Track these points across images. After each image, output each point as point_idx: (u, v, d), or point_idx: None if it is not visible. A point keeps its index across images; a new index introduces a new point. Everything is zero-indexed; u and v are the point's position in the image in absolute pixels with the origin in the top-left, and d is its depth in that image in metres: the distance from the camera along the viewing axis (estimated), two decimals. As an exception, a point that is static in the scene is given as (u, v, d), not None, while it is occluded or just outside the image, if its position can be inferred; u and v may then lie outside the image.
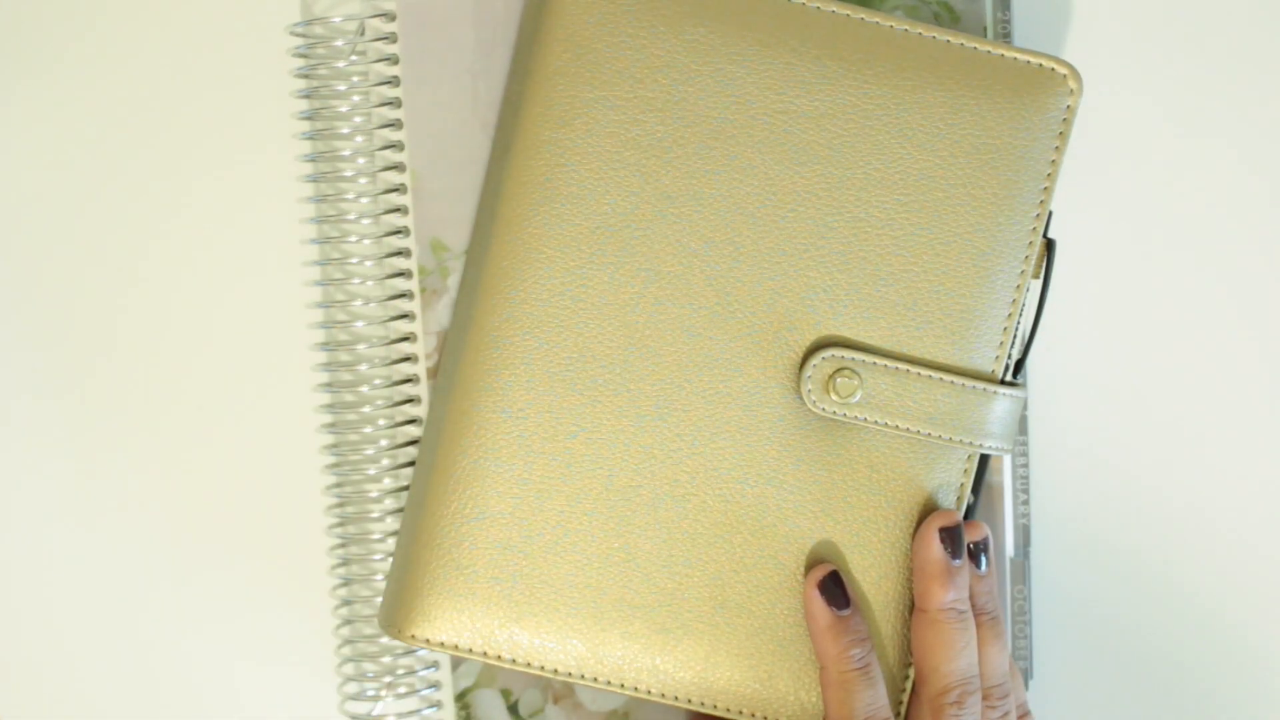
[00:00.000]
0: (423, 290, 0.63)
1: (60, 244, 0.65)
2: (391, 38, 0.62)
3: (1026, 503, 0.66)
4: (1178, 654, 0.67)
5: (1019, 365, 0.61)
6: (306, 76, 0.64)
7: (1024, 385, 0.61)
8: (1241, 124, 0.67)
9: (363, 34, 0.63)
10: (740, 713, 0.59)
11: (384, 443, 0.64)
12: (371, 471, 0.64)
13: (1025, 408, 0.66)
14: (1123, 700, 0.67)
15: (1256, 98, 0.67)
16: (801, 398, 0.59)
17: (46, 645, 0.66)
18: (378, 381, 0.63)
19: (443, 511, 0.59)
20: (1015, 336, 0.60)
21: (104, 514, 0.66)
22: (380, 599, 0.64)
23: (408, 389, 0.63)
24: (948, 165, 0.59)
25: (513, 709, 0.64)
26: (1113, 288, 0.67)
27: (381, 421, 0.64)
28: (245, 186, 0.65)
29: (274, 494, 0.66)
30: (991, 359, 0.59)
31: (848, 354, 0.58)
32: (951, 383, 0.59)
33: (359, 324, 0.64)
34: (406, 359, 0.63)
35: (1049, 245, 0.60)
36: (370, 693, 0.64)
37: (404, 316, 0.63)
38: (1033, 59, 0.59)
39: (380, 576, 0.64)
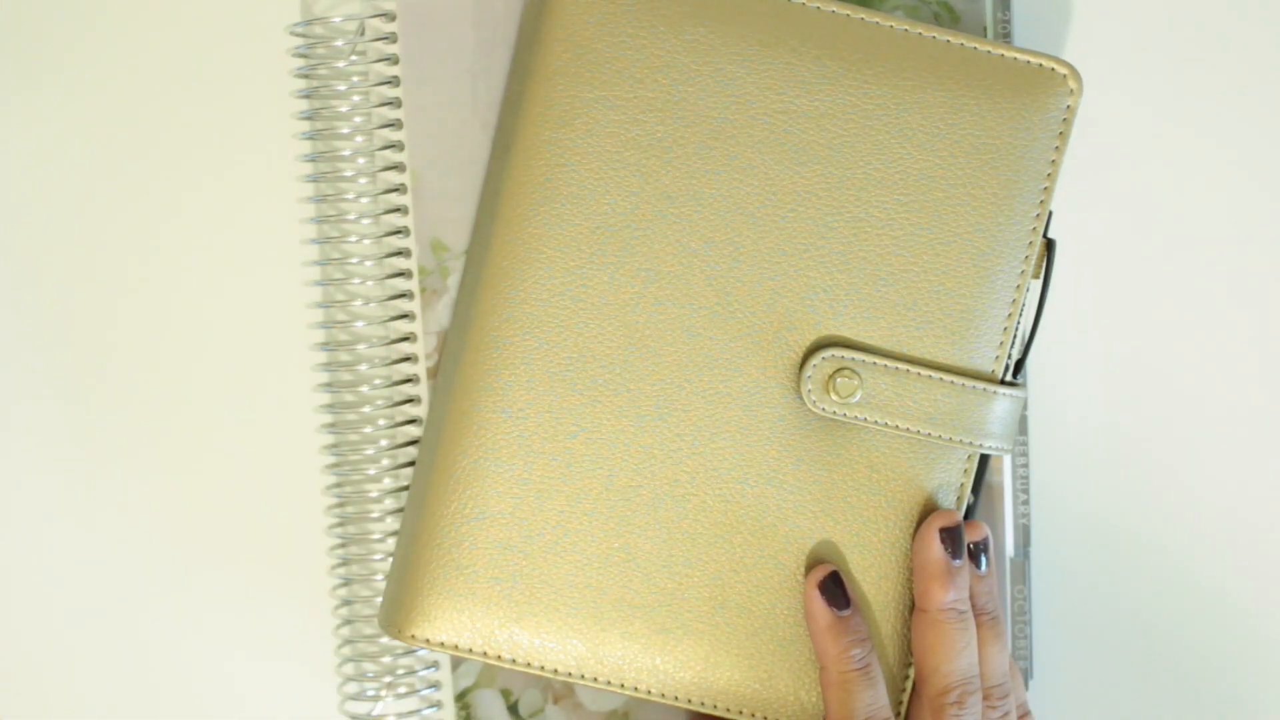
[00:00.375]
0: (423, 290, 0.63)
1: (60, 244, 0.65)
2: (391, 38, 0.62)
3: (1026, 503, 0.66)
4: (1178, 654, 0.67)
5: (1019, 365, 0.61)
6: (306, 76, 0.64)
7: (1024, 385, 0.61)
8: (1242, 124, 0.67)
9: (363, 34, 0.63)
10: (740, 713, 0.59)
11: (384, 443, 0.64)
12: (371, 471, 0.64)
13: (1025, 408, 0.66)
14: (1123, 700, 0.67)
15: (1257, 98, 0.67)
16: (801, 398, 0.59)
17: (47, 647, 0.66)
18: (378, 381, 0.63)
19: (443, 511, 0.59)
20: (1015, 336, 0.60)
21: (104, 515, 0.66)
22: (380, 599, 0.64)
23: (408, 389, 0.63)
24: (948, 165, 0.59)
25: (513, 709, 0.64)
26: (1113, 287, 0.67)
27: (381, 421, 0.64)
28: (245, 186, 0.65)
29: (274, 494, 0.66)
30: (991, 359, 0.59)
31: (848, 354, 0.58)
32: (951, 383, 0.59)
33: (359, 324, 0.64)
34: (406, 359, 0.63)
35: (1049, 245, 0.60)
36: (370, 693, 0.64)
37: (404, 316, 0.63)
38: (1033, 59, 0.59)
39: (380, 576, 0.64)
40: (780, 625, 0.59)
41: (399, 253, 0.63)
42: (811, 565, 0.59)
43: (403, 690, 0.64)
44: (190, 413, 0.66)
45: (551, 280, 0.59)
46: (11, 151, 0.65)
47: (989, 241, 0.59)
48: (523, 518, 0.58)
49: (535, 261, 0.58)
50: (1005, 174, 0.59)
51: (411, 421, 0.63)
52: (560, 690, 0.65)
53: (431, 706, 0.64)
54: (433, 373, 0.63)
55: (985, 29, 0.65)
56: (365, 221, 0.63)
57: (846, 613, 0.58)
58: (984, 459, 0.60)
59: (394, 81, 0.63)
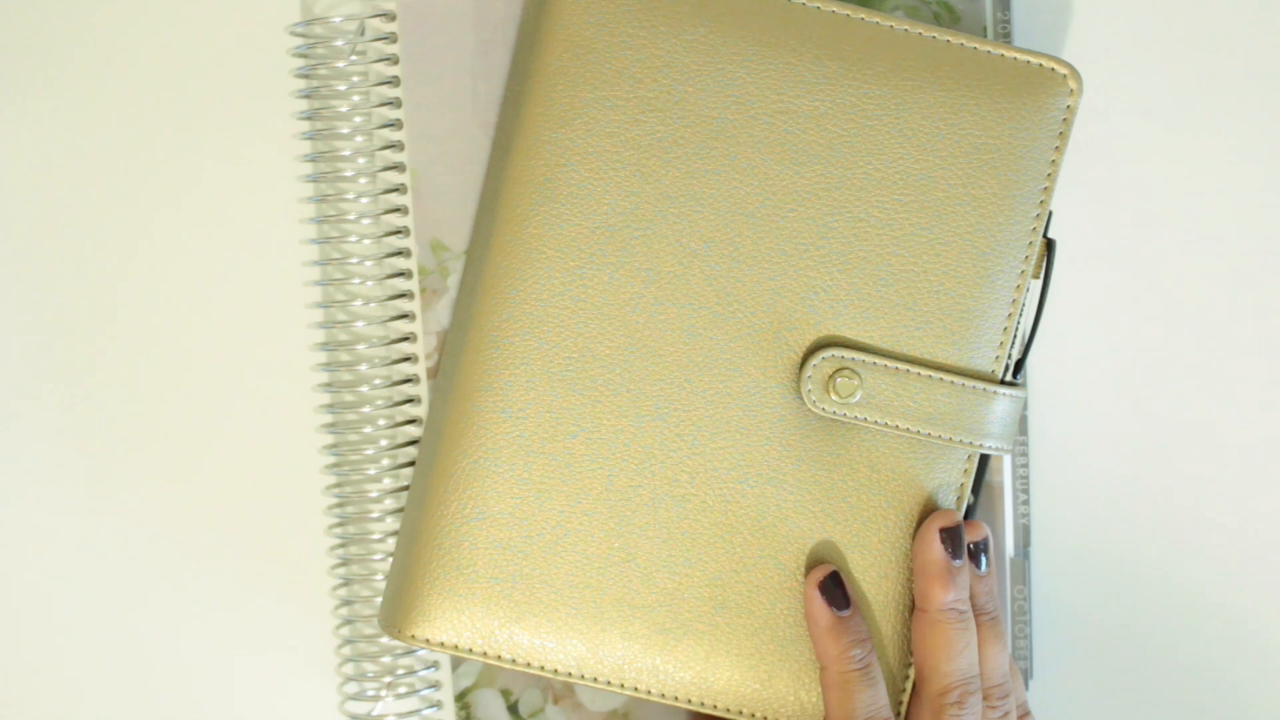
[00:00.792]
0: (423, 290, 0.63)
1: (60, 244, 0.65)
2: (391, 38, 0.62)
3: (1026, 503, 0.66)
4: (1178, 654, 0.67)
5: (1019, 365, 0.61)
6: (306, 76, 0.64)
7: (1024, 385, 0.61)
8: (1242, 124, 0.67)
9: (363, 34, 0.63)
10: (740, 713, 0.59)
11: (384, 443, 0.64)
12: (371, 471, 0.64)
13: (1025, 408, 0.66)
14: (1122, 700, 0.67)
15: (1257, 97, 0.67)
16: (801, 398, 0.59)
17: (47, 648, 0.66)
18: (378, 381, 0.63)
19: (443, 511, 0.59)
20: (1015, 336, 0.60)
21: (104, 514, 0.66)
22: (380, 599, 0.64)
23: (408, 389, 0.63)
24: (948, 165, 0.59)
25: (513, 709, 0.64)
26: (1113, 288, 0.67)
27: (381, 421, 0.64)
28: (245, 186, 0.65)
29: (274, 494, 0.66)
30: (991, 359, 0.59)
31: (848, 354, 0.58)
32: (951, 383, 0.59)
33: (359, 324, 0.64)
34: (406, 359, 0.63)
35: (1049, 245, 0.60)
36: (370, 693, 0.64)
37: (404, 316, 0.63)
38: (1033, 59, 0.59)
39: (380, 576, 0.64)
40: (780, 625, 0.59)
41: (399, 253, 0.63)
42: (811, 565, 0.59)
43: (403, 690, 0.64)
44: (190, 412, 0.66)
45: (551, 280, 0.59)
46: (11, 152, 0.65)
47: (989, 241, 0.59)
48: (523, 518, 0.58)
49: (535, 261, 0.58)
50: (1005, 174, 0.59)
51: (411, 421, 0.63)
52: (560, 690, 0.65)
53: (431, 706, 0.64)
54: (433, 373, 0.63)
55: (985, 29, 0.65)
56: (365, 221, 0.63)
57: (846, 613, 0.58)
58: (984, 459, 0.60)
59: (394, 81, 0.63)
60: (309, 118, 0.64)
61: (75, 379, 0.66)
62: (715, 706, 0.59)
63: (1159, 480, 0.67)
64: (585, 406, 0.59)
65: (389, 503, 0.64)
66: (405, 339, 0.63)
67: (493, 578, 0.58)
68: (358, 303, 0.64)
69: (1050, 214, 0.60)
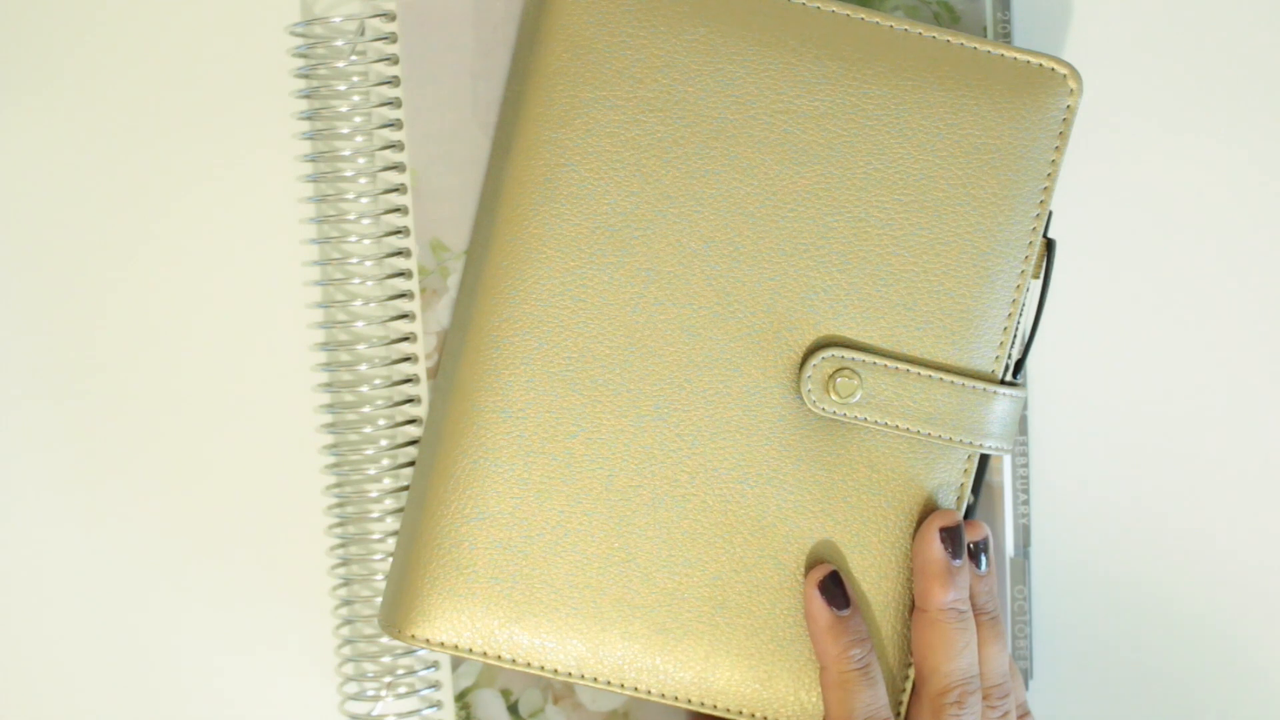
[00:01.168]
0: (423, 290, 0.63)
1: (60, 244, 0.65)
2: (391, 38, 0.62)
3: (1026, 503, 0.66)
4: (1178, 654, 0.67)
5: (1019, 365, 0.61)
6: (306, 76, 0.64)
7: (1024, 385, 0.61)
8: (1242, 124, 0.67)
9: (363, 34, 0.63)
10: (740, 713, 0.59)
11: (384, 443, 0.64)
12: (371, 471, 0.64)
13: (1025, 408, 0.66)
14: (1122, 700, 0.67)
15: (1257, 97, 0.67)
16: (801, 398, 0.59)
17: (47, 648, 0.66)
18: (378, 381, 0.63)
19: (443, 511, 0.59)
20: (1015, 336, 0.60)
21: (103, 515, 0.66)
22: (380, 599, 0.64)
23: (408, 389, 0.63)
24: (948, 165, 0.59)
25: (513, 709, 0.64)
26: (1113, 287, 0.67)
27: (381, 421, 0.64)
28: (245, 187, 0.65)
29: (274, 494, 0.66)
30: (991, 359, 0.59)
31: (848, 354, 0.58)
32: (951, 383, 0.59)
33: (359, 324, 0.64)
34: (406, 359, 0.63)
35: (1049, 245, 0.60)
36: (370, 693, 0.64)
37: (404, 316, 0.63)
38: (1032, 59, 0.59)
39: (380, 576, 0.64)
40: (780, 625, 0.59)
41: (399, 253, 0.63)
42: (811, 565, 0.59)
43: (403, 690, 0.64)
44: (190, 412, 0.66)
45: (551, 280, 0.59)
46: (11, 152, 0.65)
47: (989, 241, 0.59)
48: (522, 518, 0.58)
49: (535, 261, 0.59)
50: (1005, 174, 0.59)
51: (411, 421, 0.63)
52: (560, 690, 0.65)
53: (431, 706, 0.64)
54: (433, 373, 0.63)
55: (985, 29, 0.65)
56: (365, 221, 0.63)
57: (846, 613, 0.58)
58: (984, 459, 0.60)
59: (394, 81, 0.63)
60: (309, 118, 0.64)
61: (75, 379, 0.66)
62: (715, 706, 0.59)
63: (1159, 480, 0.67)
64: (585, 406, 0.59)
65: (389, 503, 0.64)
66: (405, 339, 0.63)
67: (493, 578, 0.58)
68: (358, 303, 0.64)
69: (1050, 214, 0.60)
